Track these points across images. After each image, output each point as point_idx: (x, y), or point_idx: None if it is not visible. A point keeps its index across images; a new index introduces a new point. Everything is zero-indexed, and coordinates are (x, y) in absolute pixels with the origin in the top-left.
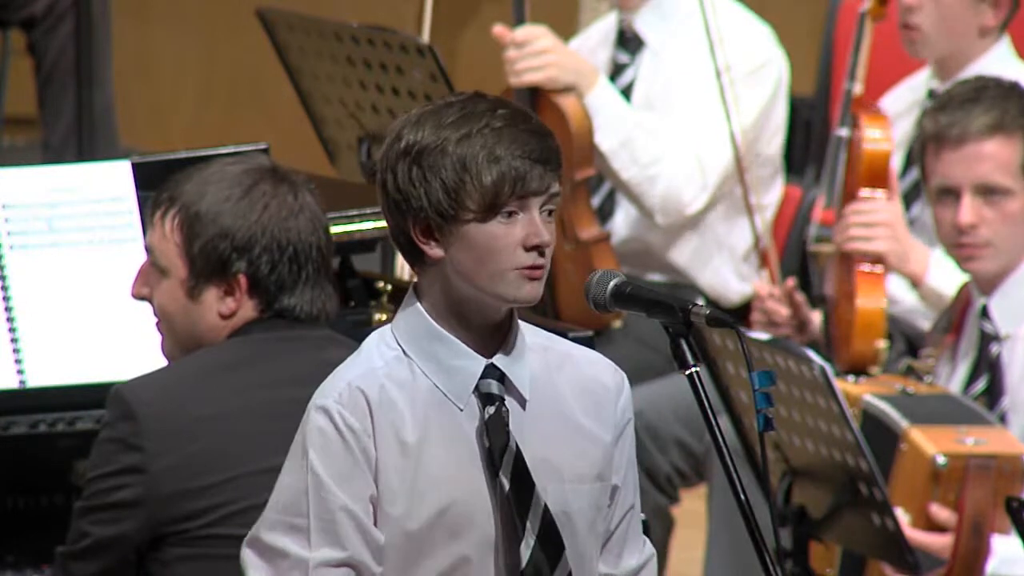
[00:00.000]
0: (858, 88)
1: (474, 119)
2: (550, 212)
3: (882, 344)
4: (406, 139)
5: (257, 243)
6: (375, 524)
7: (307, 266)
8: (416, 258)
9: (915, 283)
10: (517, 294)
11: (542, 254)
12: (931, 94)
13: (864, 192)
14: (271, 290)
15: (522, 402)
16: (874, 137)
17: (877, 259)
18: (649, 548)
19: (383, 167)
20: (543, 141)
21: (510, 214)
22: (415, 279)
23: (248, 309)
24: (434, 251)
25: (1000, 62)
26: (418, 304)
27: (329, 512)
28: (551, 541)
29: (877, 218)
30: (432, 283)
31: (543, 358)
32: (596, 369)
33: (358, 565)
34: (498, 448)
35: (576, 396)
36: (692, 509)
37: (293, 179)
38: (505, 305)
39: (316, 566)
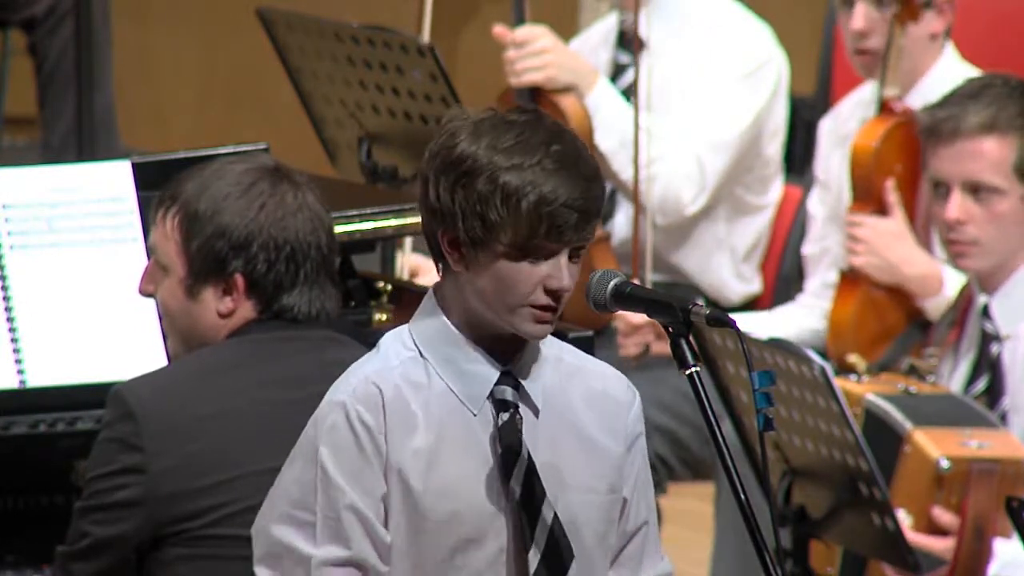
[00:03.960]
0: (888, 92)
1: (529, 152)
2: (578, 253)
3: (853, 358)
4: (460, 148)
5: (254, 242)
6: (386, 523)
7: (305, 265)
8: (441, 260)
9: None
10: (525, 329)
11: (557, 299)
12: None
13: (854, 210)
14: (269, 290)
15: (535, 411)
16: (861, 131)
17: (860, 272)
18: (667, 564)
19: (432, 165)
20: (590, 189)
21: (539, 254)
22: (436, 280)
23: (247, 309)
24: (456, 264)
25: (948, 72)
26: (438, 307)
27: (335, 511)
28: (559, 550)
29: (858, 233)
30: (452, 289)
31: (556, 369)
32: (608, 383)
33: (363, 564)
34: (510, 454)
35: (588, 408)
36: (693, 510)
37: (295, 178)
38: (513, 331)
39: (319, 564)
